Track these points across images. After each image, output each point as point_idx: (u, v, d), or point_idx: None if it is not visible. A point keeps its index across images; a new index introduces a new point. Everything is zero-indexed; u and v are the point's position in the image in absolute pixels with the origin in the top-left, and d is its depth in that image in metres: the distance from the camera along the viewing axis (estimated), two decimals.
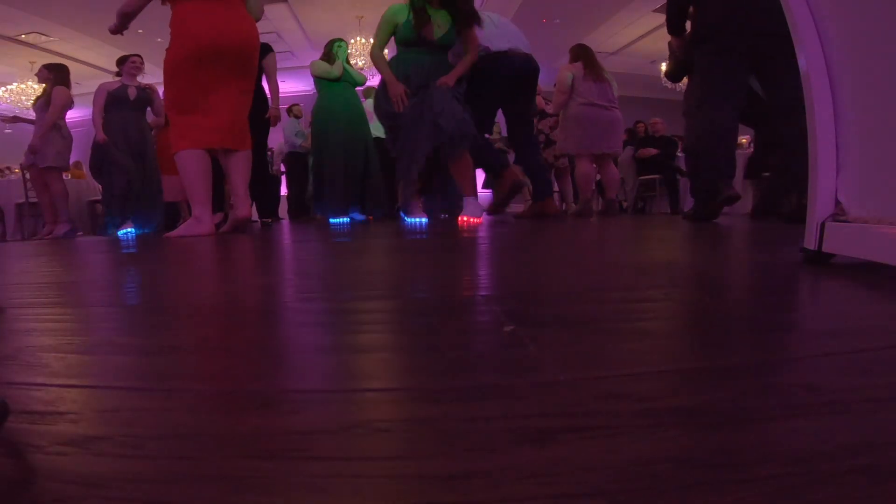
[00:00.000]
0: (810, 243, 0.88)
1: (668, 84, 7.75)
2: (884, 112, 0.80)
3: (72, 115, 4.67)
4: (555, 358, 0.40)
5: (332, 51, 4.35)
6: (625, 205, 6.02)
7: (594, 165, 4.31)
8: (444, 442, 0.27)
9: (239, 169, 2.88)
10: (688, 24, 2.66)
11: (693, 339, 0.48)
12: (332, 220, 4.11)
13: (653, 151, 5.67)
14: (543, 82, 4.08)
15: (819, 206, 0.88)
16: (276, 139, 6.44)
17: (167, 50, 2.74)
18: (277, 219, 5.24)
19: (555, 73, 4.25)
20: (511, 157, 4.29)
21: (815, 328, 0.51)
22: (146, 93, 4.12)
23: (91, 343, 0.52)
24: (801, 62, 0.90)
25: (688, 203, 4.05)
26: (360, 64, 7.68)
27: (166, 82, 2.79)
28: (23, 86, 8.42)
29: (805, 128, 0.90)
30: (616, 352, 0.42)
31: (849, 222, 0.83)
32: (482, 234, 2.03)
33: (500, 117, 3.63)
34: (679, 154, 5.47)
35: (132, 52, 4.26)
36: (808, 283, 0.77)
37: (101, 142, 3.93)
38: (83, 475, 0.24)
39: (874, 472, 0.23)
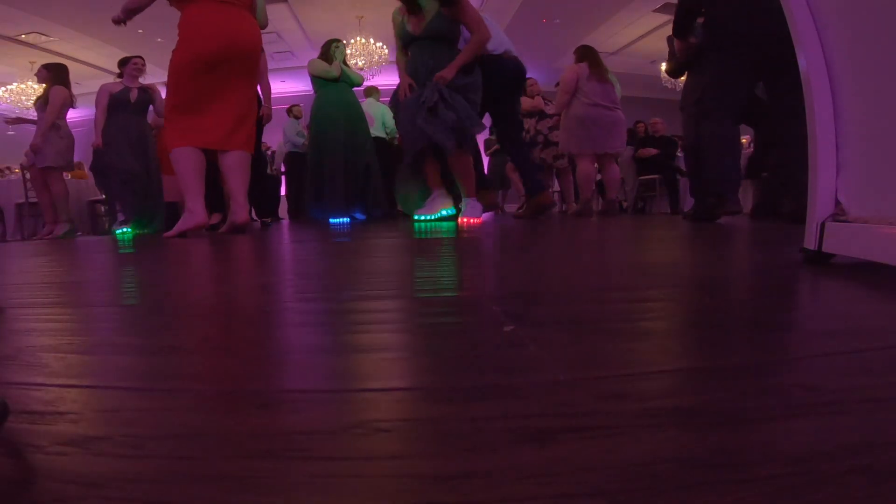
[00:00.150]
0: (810, 243, 0.88)
1: (668, 84, 7.77)
2: (884, 112, 0.80)
3: (72, 115, 4.67)
4: (555, 358, 0.40)
5: (329, 51, 4.34)
6: (625, 205, 6.02)
7: (595, 165, 4.33)
8: (444, 442, 0.27)
9: (236, 172, 2.87)
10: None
11: (693, 339, 0.48)
12: (332, 221, 4.11)
13: (653, 151, 5.67)
14: (543, 82, 4.09)
15: (819, 205, 0.88)
16: (277, 139, 6.46)
17: (173, 51, 2.75)
18: (277, 219, 5.24)
19: (554, 73, 4.27)
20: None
21: (814, 328, 0.51)
22: (148, 94, 4.12)
23: (91, 343, 0.52)
24: (801, 62, 0.90)
25: (688, 203, 4.06)
26: (359, 64, 7.68)
27: (170, 82, 2.80)
28: (23, 86, 8.42)
29: (805, 129, 0.90)
30: (616, 352, 0.42)
31: (849, 222, 0.83)
32: (482, 234, 2.03)
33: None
34: (679, 154, 5.47)
35: (133, 54, 4.26)
36: (808, 283, 0.77)
37: (98, 147, 3.96)
38: (83, 475, 0.24)
39: (874, 472, 0.23)
